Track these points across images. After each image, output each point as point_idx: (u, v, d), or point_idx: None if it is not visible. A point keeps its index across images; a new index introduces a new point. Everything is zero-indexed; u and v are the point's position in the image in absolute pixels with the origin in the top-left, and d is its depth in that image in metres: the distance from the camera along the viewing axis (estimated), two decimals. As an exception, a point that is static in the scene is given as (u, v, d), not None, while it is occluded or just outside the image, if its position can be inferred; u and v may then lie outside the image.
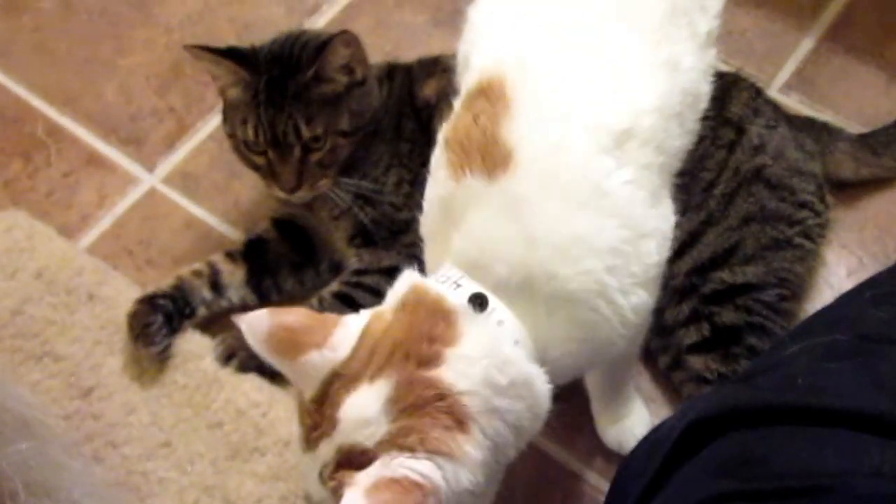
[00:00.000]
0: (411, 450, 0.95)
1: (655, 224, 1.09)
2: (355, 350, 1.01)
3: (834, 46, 1.73)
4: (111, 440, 1.43)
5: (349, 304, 1.45)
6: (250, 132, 1.46)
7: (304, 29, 1.68)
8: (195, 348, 1.49)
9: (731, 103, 1.48)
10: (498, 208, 1.04)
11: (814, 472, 0.83)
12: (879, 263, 1.51)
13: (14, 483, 0.94)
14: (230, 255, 1.55)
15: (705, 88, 1.20)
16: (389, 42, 1.80)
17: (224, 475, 1.39)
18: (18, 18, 1.88)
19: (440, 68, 1.56)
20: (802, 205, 1.46)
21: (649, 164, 1.08)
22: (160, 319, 1.48)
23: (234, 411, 1.43)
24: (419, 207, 1.14)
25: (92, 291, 1.54)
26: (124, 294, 1.53)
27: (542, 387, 1.04)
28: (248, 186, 1.66)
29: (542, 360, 1.05)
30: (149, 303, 1.49)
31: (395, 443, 0.95)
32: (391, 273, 1.10)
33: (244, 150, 1.49)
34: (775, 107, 1.55)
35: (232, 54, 1.47)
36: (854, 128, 1.60)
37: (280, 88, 1.44)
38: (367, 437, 0.97)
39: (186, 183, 1.70)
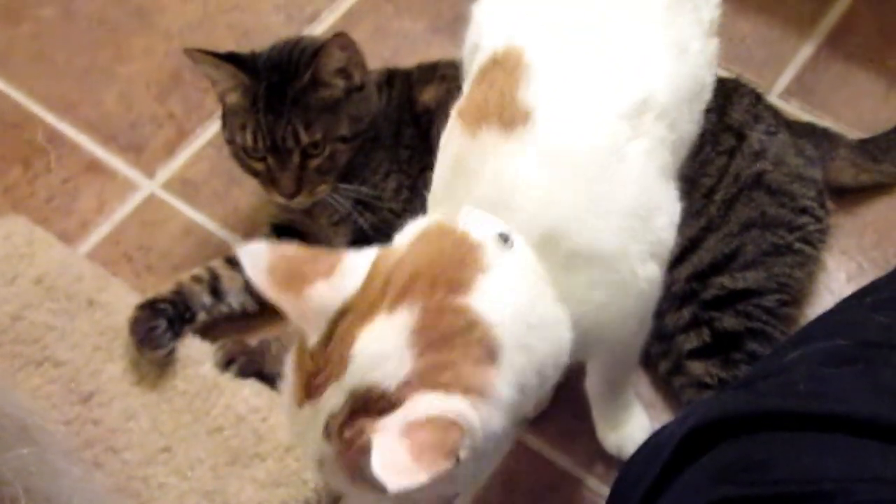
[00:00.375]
0: (445, 387, 0.87)
1: (667, 202, 1.08)
2: (366, 282, 0.94)
3: (834, 53, 1.73)
4: (111, 446, 1.42)
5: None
6: (249, 138, 1.46)
7: (303, 35, 1.69)
8: (194, 354, 1.49)
9: (731, 109, 1.49)
10: (519, 157, 1.00)
11: (815, 478, 0.83)
12: (879, 268, 1.51)
13: (15, 489, 0.94)
14: (230, 261, 1.55)
15: (710, 79, 1.20)
16: (388, 49, 1.80)
17: (224, 481, 1.39)
18: (18, 26, 1.88)
19: (439, 74, 1.57)
20: (803, 210, 1.46)
21: (663, 139, 1.07)
22: (164, 323, 1.48)
23: (233, 417, 1.43)
24: (419, 213, 1.13)
25: (92, 297, 1.54)
26: (124, 300, 1.53)
27: (566, 333, 0.99)
28: (248, 192, 1.66)
29: None
30: (150, 308, 1.49)
31: (425, 380, 0.88)
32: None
33: (243, 155, 1.49)
34: (776, 113, 1.56)
35: (232, 59, 1.47)
36: (854, 134, 1.60)
37: (279, 94, 1.44)
38: (388, 376, 0.88)
39: (186, 189, 1.70)
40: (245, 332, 1.53)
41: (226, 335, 1.51)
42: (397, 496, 0.82)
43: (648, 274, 1.05)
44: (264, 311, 1.51)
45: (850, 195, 1.57)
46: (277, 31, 1.79)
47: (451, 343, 0.90)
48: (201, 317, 1.52)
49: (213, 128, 1.72)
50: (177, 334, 1.49)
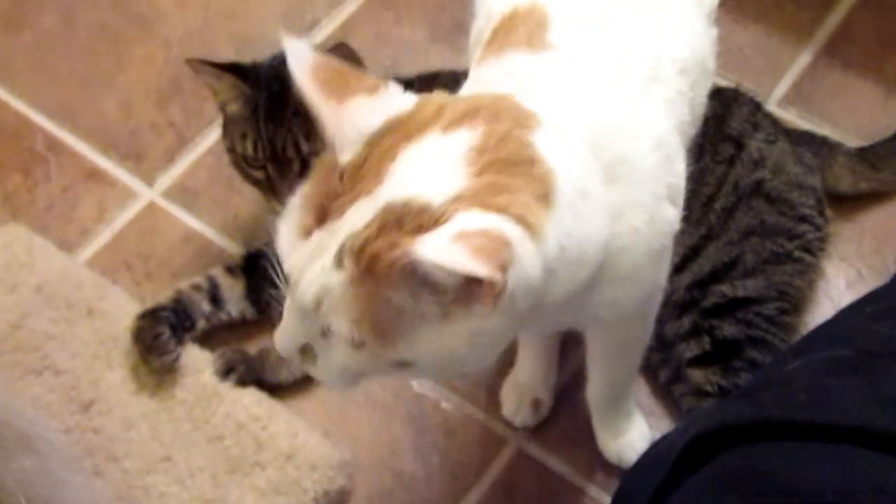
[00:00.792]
0: (499, 209, 0.81)
1: (681, 159, 1.05)
2: (417, 107, 0.88)
3: (832, 61, 1.74)
4: (111, 454, 1.42)
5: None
6: (250, 147, 1.46)
7: (304, 44, 1.69)
8: (194, 362, 1.48)
9: (730, 118, 1.49)
10: (556, 71, 0.96)
11: (817, 489, 0.83)
12: (878, 275, 1.52)
13: (17, 499, 0.94)
14: (229, 269, 1.55)
15: (711, 65, 1.17)
16: (388, 57, 1.80)
17: (224, 489, 1.39)
18: (19, 34, 1.88)
19: (440, 84, 1.56)
20: (802, 219, 1.46)
21: (682, 94, 1.04)
22: (167, 330, 1.48)
23: (233, 425, 1.43)
24: None
25: (92, 306, 1.54)
26: (124, 308, 1.53)
27: (604, 232, 0.92)
28: (248, 200, 1.66)
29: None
30: (152, 316, 1.49)
31: (479, 197, 0.81)
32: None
33: (243, 164, 1.50)
34: (774, 121, 1.56)
35: (233, 69, 1.48)
36: (852, 141, 1.61)
37: (280, 104, 1.44)
38: (435, 191, 0.81)
39: (185, 197, 1.70)
40: (245, 340, 1.53)
41: (225, 343, 1.51)
42: (451, 308, 0.79)
43: (666, 215, 1.01)
44: (264, 320, 1.51)
45: (848, 202, 1.57)
46: (277, 39, 1.79)
47: (513, 170, 0.84)
48: (201, 325, 1.52)
49: (213, 136, 1.72)
50: (180, 341, 1.49)
